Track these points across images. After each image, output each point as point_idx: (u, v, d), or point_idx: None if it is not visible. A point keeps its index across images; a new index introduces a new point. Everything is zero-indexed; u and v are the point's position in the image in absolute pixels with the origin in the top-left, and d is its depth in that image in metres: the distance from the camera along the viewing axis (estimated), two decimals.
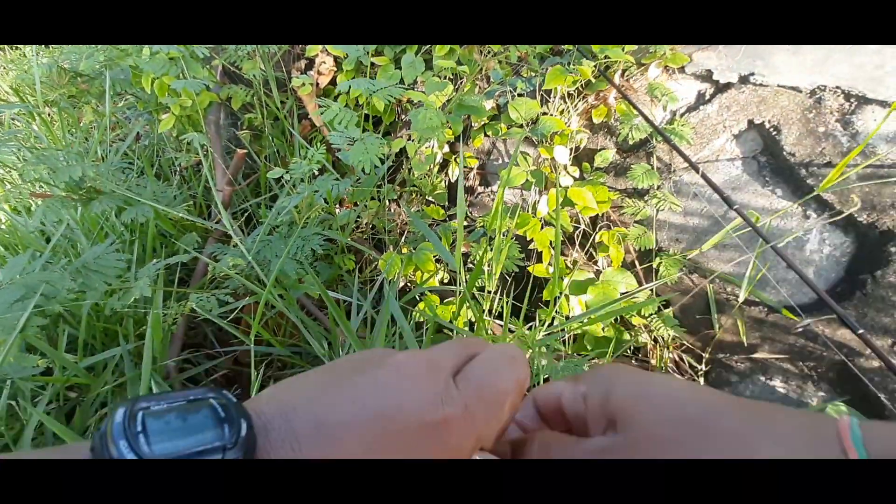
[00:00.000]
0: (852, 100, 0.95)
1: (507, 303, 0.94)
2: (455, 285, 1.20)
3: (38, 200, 0.85)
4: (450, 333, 1.06)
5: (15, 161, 1.29)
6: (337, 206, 1.30)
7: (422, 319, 1.05)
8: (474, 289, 0.86)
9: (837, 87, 0.96)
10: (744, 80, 1.05)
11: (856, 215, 0.91)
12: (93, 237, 0.91)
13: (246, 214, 1.32)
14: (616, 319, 1.09)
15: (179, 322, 0.88)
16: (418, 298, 1.11)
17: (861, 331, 0.75)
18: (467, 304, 0.71)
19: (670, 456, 0.21)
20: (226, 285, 0.89)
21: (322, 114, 0.92)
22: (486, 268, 0.97)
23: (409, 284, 1.27)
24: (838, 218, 0.91)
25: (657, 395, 0.23)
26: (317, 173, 1.02)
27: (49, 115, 1.40)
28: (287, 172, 1.01)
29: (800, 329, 0.92)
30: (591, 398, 0.24)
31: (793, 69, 1.01)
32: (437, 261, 1.17)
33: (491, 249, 0.95)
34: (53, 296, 0.56)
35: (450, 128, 1.18)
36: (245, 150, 1.05)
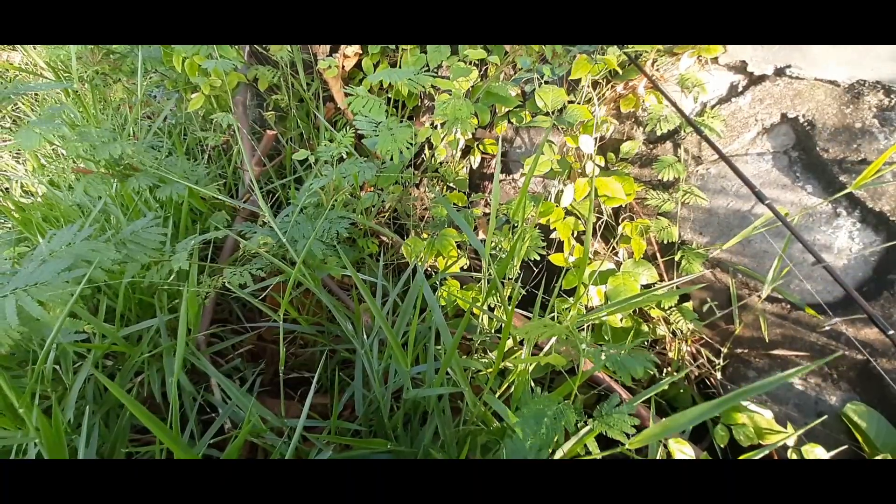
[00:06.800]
0: (892, 95, 0.92)
1: (528, 291, 0.95)
2: (474, 271, 1.21)
3: (79, 175, 0.88)
4: (471, 317, 1.08)
5: (52, 137, 1.32)
6: (360, 189, 1.31)
7: (442, 303, 1.07)
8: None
9: (878, 82, 0.94)
10: (779, 72, 1.03)
11: (889, 214, 0.89)
12: (129, 213, 0.94)
13: (272, 195, 1.35)
14: (635, 311, 1.09)
15: (210, 297, 0.91)
16: (438, 284, 1.13)
17: (892, 331, 0.74)
18: (495, 291, 0.72)
19: None
20: (254, 263, 0.92)
21: (350, 104, 0.93)
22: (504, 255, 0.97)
23: (429, 269, 1.28)
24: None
25: None
26: (343, 157, 1.03)
27: (81, 91, 1.44)
28: (313, 155, 1.03)
29: (827, 328, 0.92)
30: None
31: (832, 62, 0.99)
32: (459, 246, 1.18)
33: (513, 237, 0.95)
34: (100, 266, 0.59)
35: (476, 116, 1.18)
36: (274, 132, 1.06)
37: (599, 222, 1.17)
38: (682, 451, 0.83)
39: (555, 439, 0.59)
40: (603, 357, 0.53)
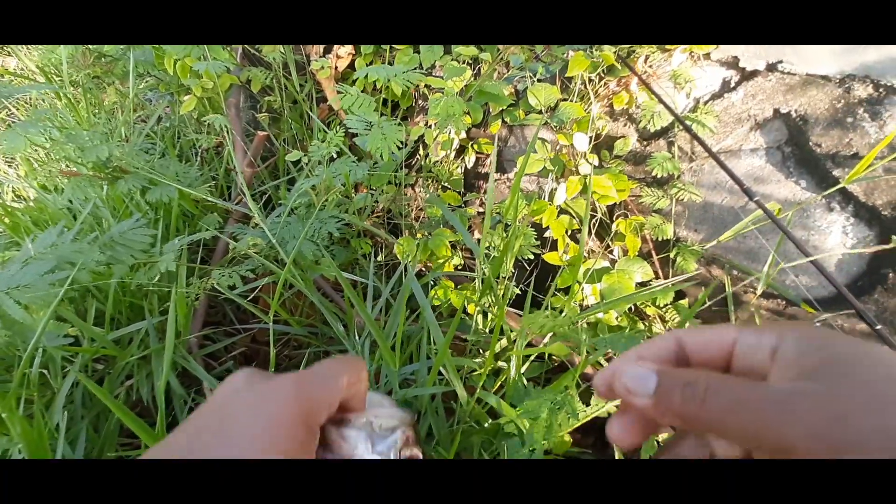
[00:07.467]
0: (881, 90, 0.92)
1: (522, 290, 0.94)
2: (469, 271, 1.21)
3: (67, 178, 0.87)
4: (464, 318, 1.07)
5: (42, 140, 1.32)
6: (353, 189, 1.31)
7: (436, 303, 1.06)
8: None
9: (867, 77, 0.93)
10: (771, 67, 1.02)
11: (881, 209, 0.89)
12: (118, 215, 0.93)
13: (265, 197, 1.34)
14: (630, 309, 1.09)
15: (202, 299, 0.90)
16: (433, 283, 1.12)
17: (879, 326, 0.74)
18: (489, 290, 0.71)
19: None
20: (245, 265, 0.91)
21: (341, 100, 0.93)
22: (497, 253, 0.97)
23: (423, 269, 1.28)
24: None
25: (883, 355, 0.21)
26: (335, 156, 1.02)
27: (74, 95, 1.43)
28: (305, 156, 1.02)
29: (817, 324, 0.91)
30: (784, 350, 0.24)
31: (823, 57, 0.99)
32: (452, 246, 1.18)
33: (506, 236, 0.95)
34: (84, 268, 0.58)
35: (469, 115, 1.17)
36: (265, 133, 1.06)
37: (594, 220, 1.17)
38: None
39: (552, 431, 0.58)
40: (606, 341, 0.52)
